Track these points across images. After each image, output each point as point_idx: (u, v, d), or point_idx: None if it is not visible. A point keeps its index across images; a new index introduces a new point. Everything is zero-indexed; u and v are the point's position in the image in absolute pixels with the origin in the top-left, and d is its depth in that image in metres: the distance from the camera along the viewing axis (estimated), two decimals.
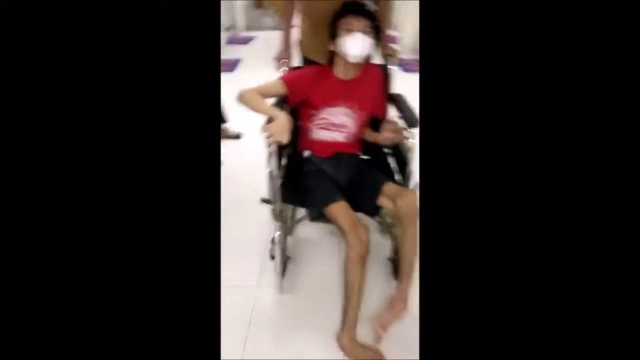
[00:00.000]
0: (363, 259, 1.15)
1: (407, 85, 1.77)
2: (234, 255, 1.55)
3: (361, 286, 1.17)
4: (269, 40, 4.78)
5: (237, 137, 2.73)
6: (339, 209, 1.18)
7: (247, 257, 1.65)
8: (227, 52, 4.48)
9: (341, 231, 1.16)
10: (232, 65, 4.13)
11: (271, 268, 1.46)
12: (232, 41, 4.97)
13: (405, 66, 3.71)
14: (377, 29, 1.33)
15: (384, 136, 1.33)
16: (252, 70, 3.85)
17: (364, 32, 1.28)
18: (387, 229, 1.62)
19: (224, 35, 4.72)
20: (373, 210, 1.28)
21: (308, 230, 1.74)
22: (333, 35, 1.33)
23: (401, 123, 1.31)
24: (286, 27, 1.59)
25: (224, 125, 2.70)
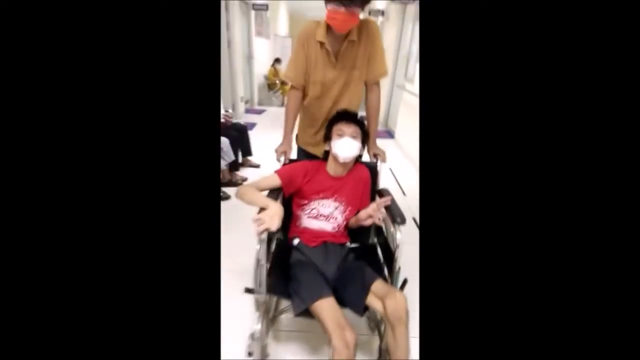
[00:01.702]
0: None
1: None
2: None
3: None
4: (275, 113, 6.04)
5: (257, 166, 3.32)
6: (326, 307, 1.07)
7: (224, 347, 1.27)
8: (246, 118, 5.35)
9: (326, 332, 1.03)
10: (251, 126, 4.94)
11: None
12: (249, 111, 6.09)
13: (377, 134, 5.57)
14: (365, 134, 1.38)
15: (365, 212, 1.25)
16: (263, 131, 4.68)
17: (353, 137, 1.31)
18: (376, 325, 1.45)
19: (243, 106, 5.65)
20: (361, 309, 1.14)
21: (290, 324, 1.46)
22: (327, 137, 1.36)
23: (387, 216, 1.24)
24: (288, 121, 1.55)
25: (247, 157, 3.30)
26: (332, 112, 1.43)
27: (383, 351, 1.27)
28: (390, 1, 4.81)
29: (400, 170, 3.60)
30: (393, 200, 1.30)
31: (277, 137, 1.61)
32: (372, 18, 6.22)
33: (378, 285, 1.16)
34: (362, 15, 1.38)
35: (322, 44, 1.41)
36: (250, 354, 1.19)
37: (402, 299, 1.10)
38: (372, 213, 1.24)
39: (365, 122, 1.43)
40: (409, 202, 2.82)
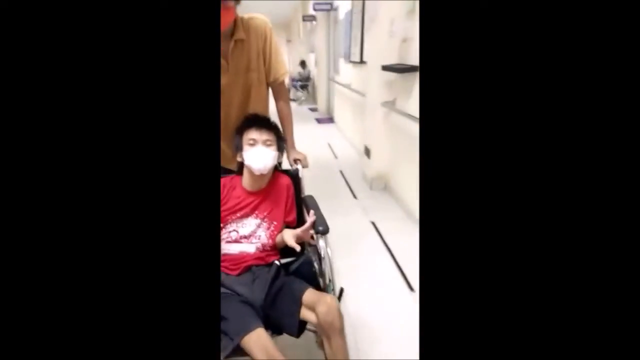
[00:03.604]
0: None
1: (323, 131, 3.73)
2: None
3: None
4: None
5: None
6: (254, 340, 0.88)
7: None
8: None
9: None
10: None
11: None
12: None
13: (321, 121, 5.48)
14: (281, 139, 1.14)
15: (293, 233, 1.06)
16: None
17: (267, 145, 1.07)
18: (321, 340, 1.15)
19: None
20: (297, 329, 0.95)
21: None
22: (238, 147, 1.09)
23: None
24: None
25: None
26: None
27: None
28: (315, 11, 5.76)
29: (338, 143, 4.31)
30: (316, 207, 1.09)
31: None
32: (307, 22, 7.09)
33: (308, 295, 0.95)
34: (239, 12, 1.14)
35: None
36: None
37: (334, 303, 0.90)
38: (301, 234, 1.02)
39: (280, 127, 1.16)
40: (339, 162, 3.62)
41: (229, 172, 1.28)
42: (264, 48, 1.24)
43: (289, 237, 1.06)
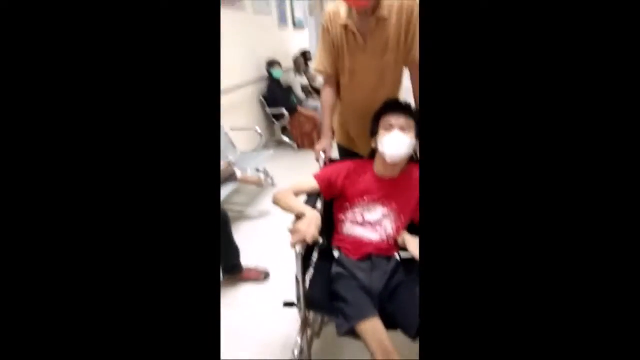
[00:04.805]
0: None
1: None
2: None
3: None
4: None
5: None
6: (370, 328, 0.88)
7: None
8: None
9: (372, 356, 0.84)
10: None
11: None
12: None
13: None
14: (419, 127, 1.00)
15: (412, 249, 0.98)
16: None
17: (403, 130, 0.98)
18: None
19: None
20: (414, 332, 0.90)
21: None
22: (374, 132, 1.04)
23: None
24: (324, 117, 1.26)
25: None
26: (371, 106, 1.07)
27: None
28: None
29: None
30: None
31: None
32: None
33: None
34: None
35: (346, 26, 1.06)
36: None
37: None
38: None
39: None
40: None
41: (352, 154, 1.29)
42: (407, 27, 1.11)
43: (415, 247, 0.99)
